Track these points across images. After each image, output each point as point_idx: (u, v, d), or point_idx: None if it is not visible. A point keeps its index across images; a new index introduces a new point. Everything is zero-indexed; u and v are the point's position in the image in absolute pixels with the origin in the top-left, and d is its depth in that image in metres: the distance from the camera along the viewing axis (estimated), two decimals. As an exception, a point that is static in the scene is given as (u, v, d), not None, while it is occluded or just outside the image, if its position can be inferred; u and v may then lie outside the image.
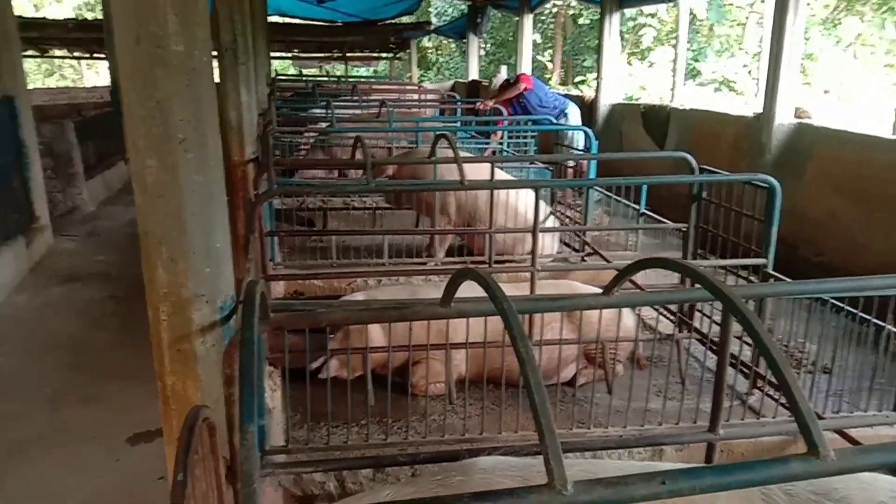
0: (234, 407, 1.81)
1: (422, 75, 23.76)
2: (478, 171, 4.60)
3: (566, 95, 9.65)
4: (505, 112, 7.89)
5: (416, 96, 10.84)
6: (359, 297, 3.70)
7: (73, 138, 8.06)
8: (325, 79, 14.79)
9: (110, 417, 3.74)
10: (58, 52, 19.06)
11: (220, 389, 2.03)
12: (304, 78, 13.99)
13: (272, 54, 18.49)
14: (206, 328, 2.13)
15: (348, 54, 20.04)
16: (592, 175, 6.14)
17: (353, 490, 2.62)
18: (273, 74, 14.39)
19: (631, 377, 3.29)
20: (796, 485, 1.66)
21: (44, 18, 17.00)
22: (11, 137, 6.23)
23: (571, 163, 6.22)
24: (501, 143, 7.24)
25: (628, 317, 3.71)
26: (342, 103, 8.54)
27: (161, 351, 2.35)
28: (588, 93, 11.28)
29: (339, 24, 18.01)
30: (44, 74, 23.89)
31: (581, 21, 20.41)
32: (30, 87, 17.16)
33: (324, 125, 6.68)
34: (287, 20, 18.06)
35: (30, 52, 17.88)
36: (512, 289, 3.78)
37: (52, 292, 5.78)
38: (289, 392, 3.52)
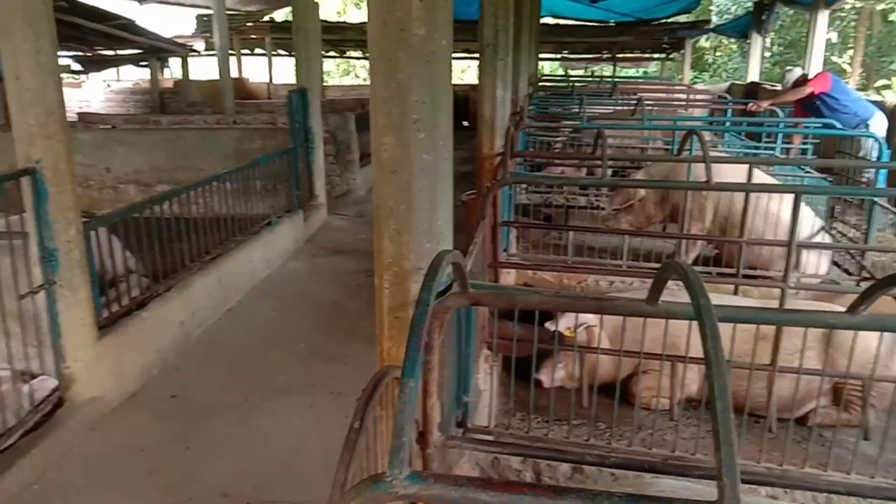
0: (430, 374, 1.87)
1: (695, 77, 22.49)
2: (742, 176, 4.22)
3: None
4: (781, 114, 7.14)
5: (682, 97, 10.26)
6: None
7: (353, 128, 9.00)
8: (588, 79, 14.65)
9: (349, 375, 4.11)
10: (353, 53, 21.49)
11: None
12: (568, 78, 14.04)
13: (541, 55, 18.90)
14: (422, 300, 2.21)
15: (618, 55, 19.66)
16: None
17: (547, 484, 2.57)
18: (538, 74, 14.68)
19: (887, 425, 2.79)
20: None
21: (343, 22, 19.13)
22: (302, 124, 7.15)
23: (865, 178, 5.39)
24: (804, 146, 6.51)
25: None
26: (597, 101, 8.42)
27: (381, 317, 2.51)
28: (890, 98, 9.73)
29: (611, 23, 17.74)
30: (340, 74, 27.10)
31: (892, 17, 17.70)
32: (327, 84, 19.52)
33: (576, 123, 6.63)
34: (558, 21, 18.26)
35: (330, 53, 20.43)
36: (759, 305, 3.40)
37: (320, 262, 6.52)
38: (501, 378, 3.59)
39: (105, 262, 4.27)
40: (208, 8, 13.37)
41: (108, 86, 16.76)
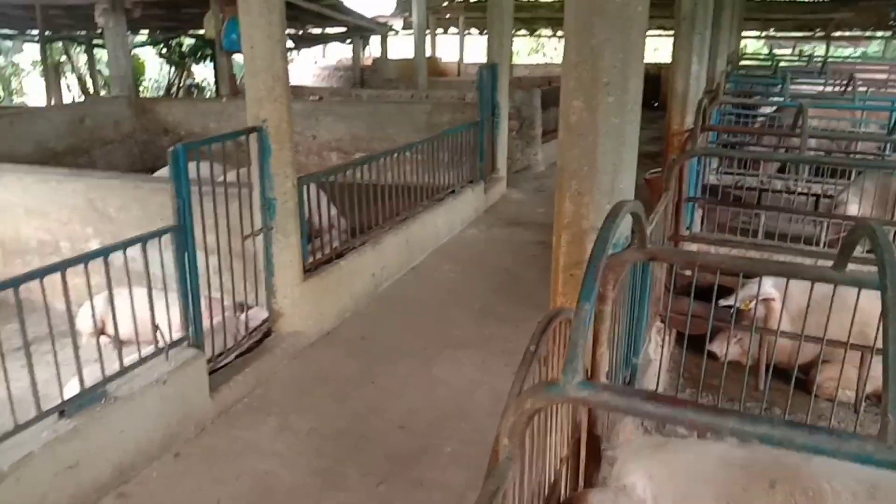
0: (601, 324, 1.97)
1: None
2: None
3: None
4: None
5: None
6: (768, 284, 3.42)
7: (538, 104, 9.10)
8: (796, 59, 13.48)
9: (519, 337, 4.28)
10: (544, 32, 21.48)
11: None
12: (773, 56, 13.03)
13: (744, 33, 17.68)
14: (597, 258, 2.31)
15: (833, 33, 17.86)
16: None
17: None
18: (739, 53, 13.80)
19: None
20: None
21: (536, 1, 19.15)
22: (489, 98, 7.38)
23: None
24: None
25: None
26: (804, 81, 7.80)
27: (557, 273, 2.64)
28: None
29: (827, -1, 16.18)
30: (528, 52, 27.18)
31: None
32: (515, 62, 19.71)
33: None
34: (766, -4, 16.96)
35: (521, 31, 20.58)
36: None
37: (496, 231, 6.75)
38: (673, 354, 3.57)
39: (314, 214, 4.79)
40: (408, -12, 14.05)
41: (316, 62, 18.20)
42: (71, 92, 16.50)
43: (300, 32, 15.08)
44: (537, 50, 26.98)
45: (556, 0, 18.75)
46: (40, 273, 2.72)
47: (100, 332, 3.95)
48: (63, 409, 2.85)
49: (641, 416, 1.13)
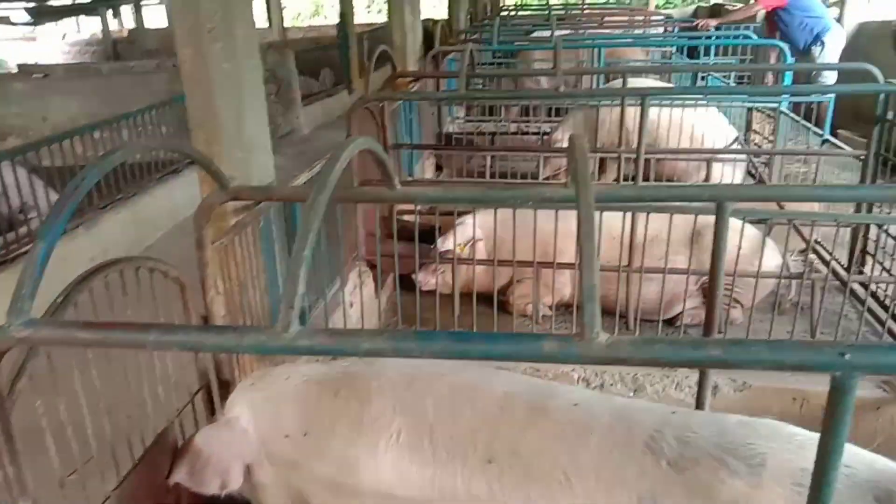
0: (205, 268, 1.98)
1: (666, 2, 22.02)
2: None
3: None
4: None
5: (640, 19, 10.06)
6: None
7: (293, 66, 8.93)
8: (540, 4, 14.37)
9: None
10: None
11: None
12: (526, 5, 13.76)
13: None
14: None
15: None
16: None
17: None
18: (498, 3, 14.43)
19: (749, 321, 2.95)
20: (699, 432, 1.39)
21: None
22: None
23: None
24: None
25: (771, 255, 3.22)
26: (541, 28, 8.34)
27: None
28: (832, 11, 9.60)
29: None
30: (311, 15, 26.61)
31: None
32: (295, 24, 19.19)
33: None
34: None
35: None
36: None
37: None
38: (390, 296, 3.72)
39: (17, 198, 4.40)
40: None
41: (64, 38, 16.48)
42: None
43: (37, 5, 13.54)
44: (318, 12, 26.47)
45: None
46: None
47: None
48: None
49: (77, 344, 1.13)
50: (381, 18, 21.31)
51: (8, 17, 11.64)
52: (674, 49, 7.56)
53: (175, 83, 7.59)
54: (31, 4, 13.34)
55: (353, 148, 1.45)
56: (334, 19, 22.92)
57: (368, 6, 25.47)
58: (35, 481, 1.43)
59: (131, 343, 1.11)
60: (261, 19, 15.96)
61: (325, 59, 11.22)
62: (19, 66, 10.70)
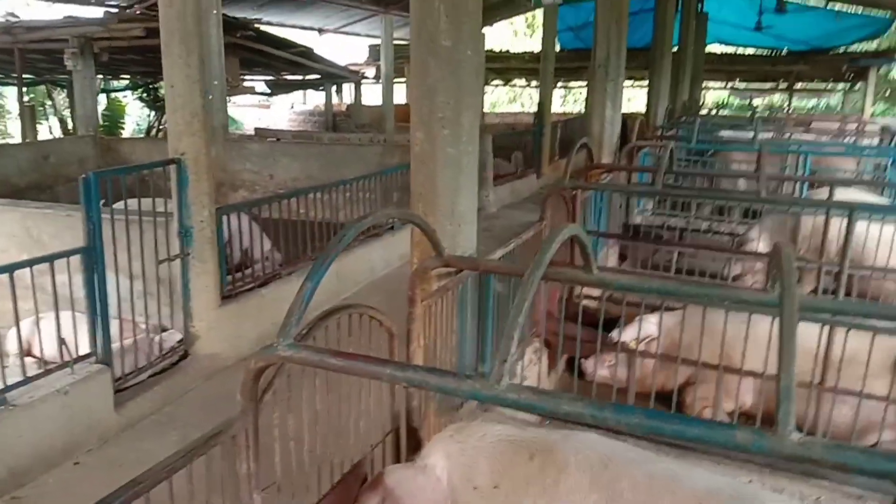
0: (412, 323, 2.23)
1: (886, 110, 20.58)
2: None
3: None
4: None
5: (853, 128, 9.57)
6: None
7: (489, 148, 9.48)
8: (752, 110, 14.04)
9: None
10: (519, 82, 22.16)
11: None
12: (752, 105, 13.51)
13: (710, 84, 18.40)
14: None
15: (795, 86, 18.56)
16: None
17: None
18: (699, 101, 14.37)
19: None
20: None
21: (507, 52, 19.85)
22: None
23: None
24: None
25: None
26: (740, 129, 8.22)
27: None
28: None
29: (784, 52, 16.90)
30: (508, 101, 27.98)
31: None
32: (492, 110, 20.35)
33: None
34: (726, 50, 17.69)
35: (496, 81, 21.25)
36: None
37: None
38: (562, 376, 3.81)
39: (244, 244, 5.10)
40: (378, 38, 14.63)
41: (292, 107, 18.74)
42: (52, 133, 16.89)
43: (275, 79, 15.60)
44: (514, 99, 27.74)
45: (525, 52, 19.47)
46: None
47: (26, 353, 4.18)
48: (-40, 413, 3.06)
49: (327, 367, 1.37)
50: (574, 109, 21.96)
51: (253, 87, 13.56)
52: (889, 161, 7.10)
53: (385, 156, 8.38)
54: (271, 78, 15.42)
55: (566, 233, 1.63)
56: (529, 108, 24.00)
57: (564, 97, 26.32)
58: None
59: (370, 373, 1.34)
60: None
61: (517, 143, 11.77)
62: (256, 129, 12.32)
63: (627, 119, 15.93)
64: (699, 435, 1.14)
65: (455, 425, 2.22)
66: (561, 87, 22.53)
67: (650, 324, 3.58)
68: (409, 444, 2.28)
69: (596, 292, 4.72)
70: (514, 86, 23.10)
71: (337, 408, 2.03)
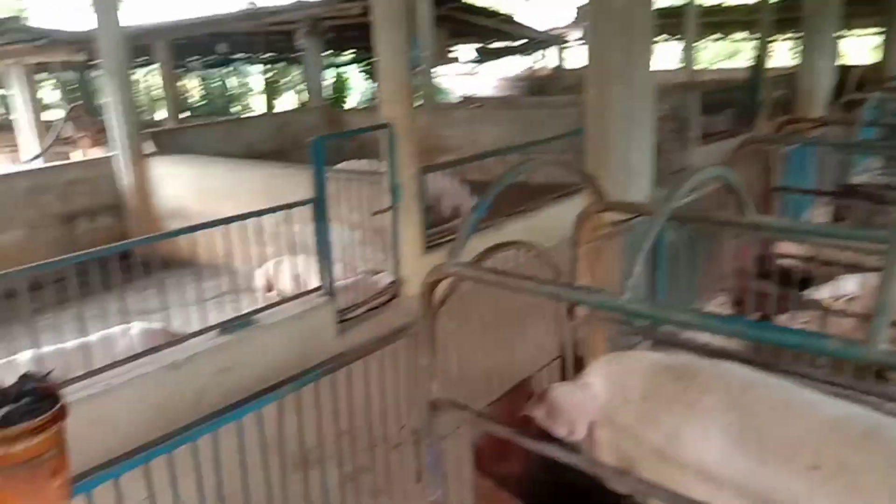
0: (596, 260, 2.49)
1: None
2: None
3: None
4: None
5: None
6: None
7: (695, 107, 9.13)
8: None
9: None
10: (738, 35, 20.59)
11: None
12: None
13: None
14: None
15: None
16: None
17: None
18: None
19: None
20: None
21: (726, 5, 18.56)
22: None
23: None
24: None
25: None
26: None
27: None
28: None
29: None
30: (729, 55, 26.09)
31: None
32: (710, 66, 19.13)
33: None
34: None
35: (715, 35, 19.93)
36: None
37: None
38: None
39: (451, 200, 5.66)
40: (584, -1, 14.53)
41: (499, 74, 19.27)
42: (288, 106, 19.08)
43: (482, 47, 16.17)
44: (735, 55, 25.78)
45: (743, 4, 18.03)
46: (198, 227, 3.85)
47: (268, 287, 5.08)
48: (223, 328, 3.89)
49: (488, 282, 1.70)
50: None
51: (456, 58, 14.21)
52: None
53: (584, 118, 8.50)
54: (478, 46, 16.01)
55: (710, 173, 1.80)
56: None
57: (794, 49, 23.98)
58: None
59: (530, 289, 1.64)
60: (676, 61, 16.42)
61: (730, 100, 11.14)
62: (462, 97, 12.97)
63: (844, 70, 14.26)
64: (796, 342, 1.30)
65: (616, 353, 2.46)
66: (788, 39, 20.62)
67: (850, 282, 3.46)
68: (575, 370, 2.56)
69: (794, 251, 4.58)
70: (734, 40, 21.55)
71: (506, 331, 2.38)
